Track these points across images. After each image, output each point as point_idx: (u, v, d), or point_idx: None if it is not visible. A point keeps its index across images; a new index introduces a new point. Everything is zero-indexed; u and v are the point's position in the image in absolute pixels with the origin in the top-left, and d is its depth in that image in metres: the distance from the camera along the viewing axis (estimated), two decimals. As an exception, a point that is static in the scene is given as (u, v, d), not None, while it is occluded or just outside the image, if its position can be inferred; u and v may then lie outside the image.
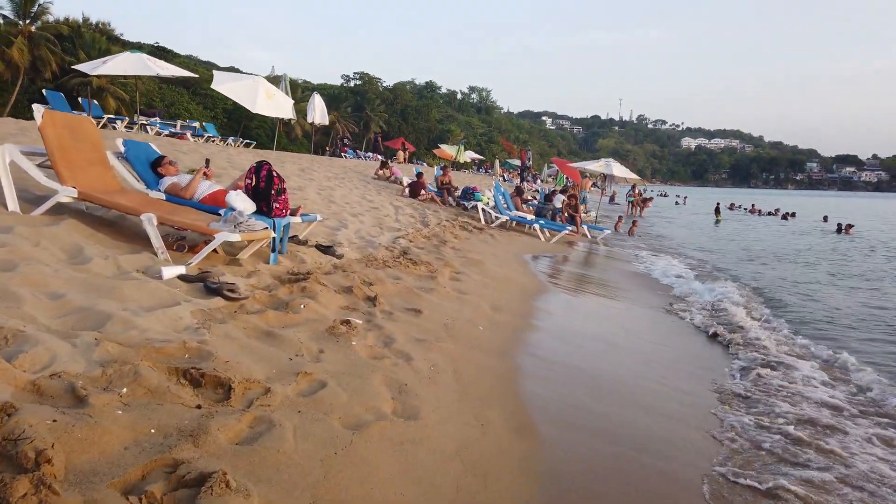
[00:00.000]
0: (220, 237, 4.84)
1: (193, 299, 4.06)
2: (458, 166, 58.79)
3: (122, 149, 6.38)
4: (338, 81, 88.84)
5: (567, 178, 36.05)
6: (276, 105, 20.36)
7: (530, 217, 15.12)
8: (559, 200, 20.41)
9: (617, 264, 13.09)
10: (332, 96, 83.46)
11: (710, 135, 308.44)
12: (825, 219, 35.55)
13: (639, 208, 34.21)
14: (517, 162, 64.55)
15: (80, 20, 49.27)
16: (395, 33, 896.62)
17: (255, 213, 5.77)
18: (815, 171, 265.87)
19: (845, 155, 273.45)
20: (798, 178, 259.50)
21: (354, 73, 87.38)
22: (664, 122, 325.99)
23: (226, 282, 4.40)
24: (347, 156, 42.92)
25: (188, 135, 19.46)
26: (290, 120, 25.10)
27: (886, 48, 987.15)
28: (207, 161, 6.58)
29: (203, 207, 6.16)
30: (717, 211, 34.75)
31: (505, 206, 16.21)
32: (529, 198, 23.82)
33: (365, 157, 41.53)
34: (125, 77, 43.49)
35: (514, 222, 15.13)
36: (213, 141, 21.95)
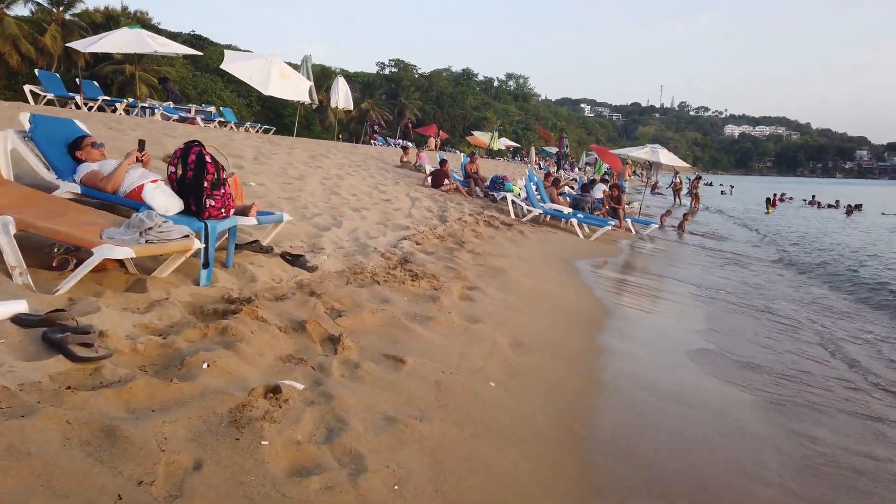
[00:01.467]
0: (99, 253, 3.23)
1: (15, 363, 2.47)
2: (492, 154, 56.86)
3: (27, 126, 4.85)
4: (373, 69, 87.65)
5: (607, 165, 33.94)
6: (291, 86, 18.90)
7: (567, 210, 13.28)
8: (599, 191, 18.46)
9: (689, 269, 11.20)
10: (367, 84, 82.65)
11: (755, 122, 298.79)
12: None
13: (690, 200, 31.90)
14: (554, 150, 62.24)
15: (119, 9, 48.95)
16: (434, 22, 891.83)
17: (182, 212, 4.18)
18: (865, 159, 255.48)
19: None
20: (847, 166, 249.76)
21: (390, 61, 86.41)
22: (706, 110, 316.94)
23: (81, 327, 2.78)
24: (377, 143, 41.38)
25: (199, 119, 18.05)
26: (311, 104, 23.58)
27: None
28: (142, 143, 4.99)
29: (129, 204, 4.60)
30: (770, 202, 32.16)
31: (538, 197, 14.40)
32: (566, 188, 21.89)
33: (395, 145, 39.96)
34: (158, 64, 42.95)
35: (549, 216, 13.31)
36: (228, 127, 20.53)
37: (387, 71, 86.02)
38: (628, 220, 15.89)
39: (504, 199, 13.86)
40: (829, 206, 37.17)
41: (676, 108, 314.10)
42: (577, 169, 53.41)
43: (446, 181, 14.53)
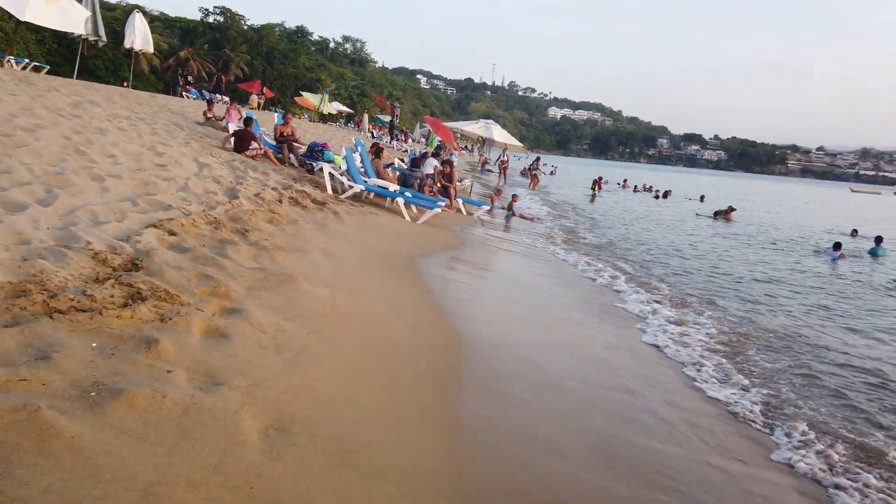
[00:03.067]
0: None
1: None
2: (324, 119, 53.63)
3: None
4: (196, 15, 79.52)
5: (440, 139, 32.93)
6: (59, 14, 15.08)
7: (393, 188, 11.64)
8: (430, 166, 17.07)
9: (530, 264, 10.03)
10: (187, 30, 74.75)
11: (575, 106, 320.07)
12: (702, 199, 35.36)
13: (530, 180, 32.08)
14: (388, 118, 60.35)
15: None
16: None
17: None
18: (665, 147, 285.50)
19: (692, 134, 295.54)
20: (650, 152, 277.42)
21: (215, 7, 78.83)
22: (533, 91, 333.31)
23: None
24: (190, 96, 36.66)
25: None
26: (97, 41, 19.45)
27: (730, 38, 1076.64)
28: None
29: None
30: (595, 186, 33.24)
31: (362, 171, 12.60)
32: (396, 161, 20.29)
33: (211, 100, 35.62)
34: None
35: (372, 194, 11.57)
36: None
37: (211, 19, 78.47)
38: (459, 200, 14.68)
39: (322, 170, 11.86)
40: (646, 189, 39.53)
41: (506, 87, 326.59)
42: (410, 140, 52.18)
43: (253, 144, 12.18)
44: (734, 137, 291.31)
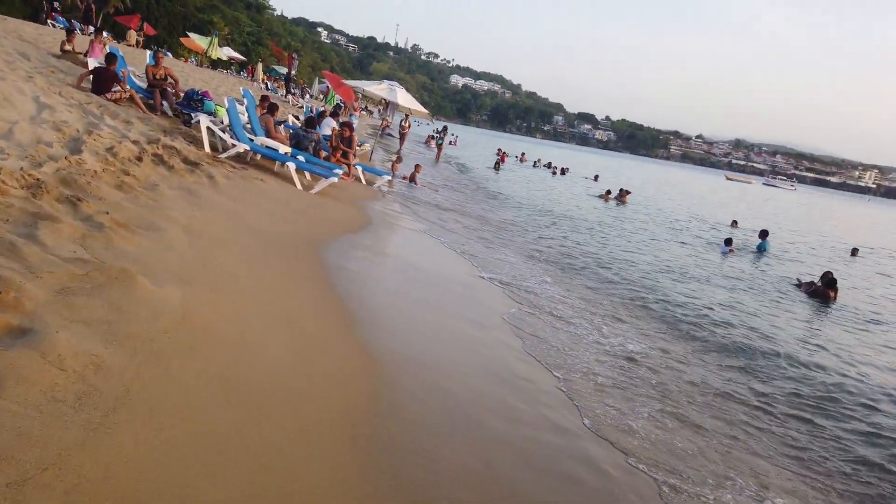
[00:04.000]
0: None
1: None
2: (214, 65, 49.48)
3: None
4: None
5: (339, 98, 31.09)
6: None
7: (284, 150, 10.24)
8: (328, 126, 15.63)
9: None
10: (59, -47, 66.98)
11: (477, 76, 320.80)
12: (596, 178, 35.99)
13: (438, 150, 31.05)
14: (285, 70, 56.70)
15: None
16: None
17: None
18: (560, 124, 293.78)
19: (585, 113, 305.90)
20: (546, 128, 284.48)
21: (93, -69, 70.83)
22: (436, 56, 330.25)
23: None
24: (57, 25, 32.20)
25: None
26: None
27: (626, 21, 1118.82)
28: None
29: None
30: (499, 161, 32.82)
31: (248, 127, 11.06)
32: (290, 118, 18.56)
33: (73, 29, 31.49)
34: None
35: (258, 155, 10.11)
36: None
37: (88, -57, 70.57)
38: (358, 168, 13.45)
39: (199, 123, 10.21)
40: (545, 166, 39.68)
41: (409, 50, 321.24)
42: (308, 96, 49.40)
43: (116, 87, 10.30)
44: (624, 120, 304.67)
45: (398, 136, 29.51)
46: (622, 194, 24.41)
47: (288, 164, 9.56)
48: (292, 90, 37.65)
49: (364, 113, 68.16)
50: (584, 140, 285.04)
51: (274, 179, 9.44)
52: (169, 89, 11.57)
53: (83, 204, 4.49)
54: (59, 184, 4.83)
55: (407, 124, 28.95)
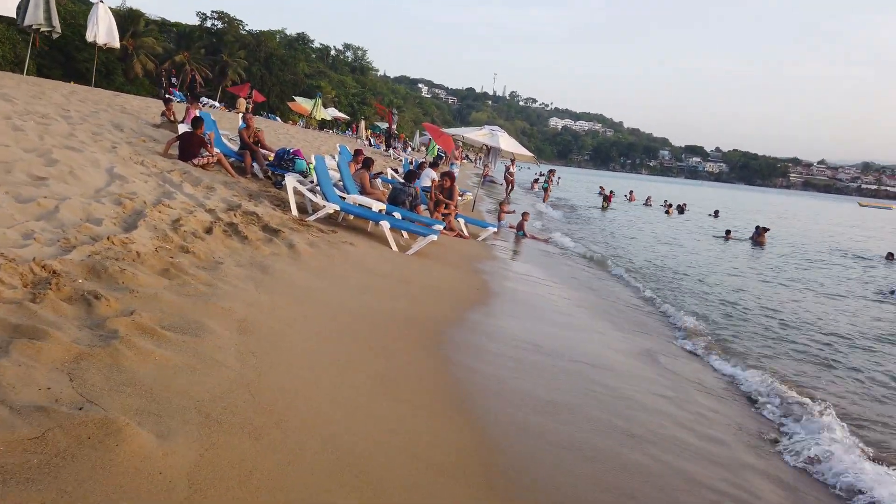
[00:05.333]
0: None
1: None
2: (322, 125, 51.17)
3: None
4: (194, 20, 78.00)
5: (439, 148, 30.52)
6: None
7: (378, 207, 9.15)
8: (427, 178, 14.61)
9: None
10: (183, 35, 73.49)
11: (576, 117, 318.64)
12: (716, 214, 33.00)
13: (545, 193, 29.85)
14: (386, 125, 57.84)
15: None
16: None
17: None
18: (666, 158, 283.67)
19: (693, 146, 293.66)
20: (652, 164, 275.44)
21: (212, 12, 77.53)
22: (535, 101, 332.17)
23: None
24: (174, 99, 34.17)
25: None
26: (50, 32, 16.99)
27: (734, 49, 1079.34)
28: None
29: None
30: (606, 198, 30.80)
31: (341, 184, 10.12)
32: (389, 172, 17.79)
33: (170, 99, 33.13)
34: None
35: (350, 215, 9.03)
36: None
37: (209, 24, 77.14)
38: (460, 220, 12.19)
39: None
40: (659, 205, 37.04)
41: (507, 97, 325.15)
42: (409, 149, 49.74)
43: (204, 152, 9.70)
44: (735, 150, 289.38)
45: (504, 183, 28.30)
46: (760, 233, 21.57)
47: (382, 223, 8.40)
48: (393, 144, 37.71)
49: (466, 161, 68.20)
50: (693, 173, 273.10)
51: (366, 242, 8.29)
52: (262, 151, 10.92)
53: (101, 302, 3.37)
54: (84, 273, 3.78)
55: (513, 170, 27.74)
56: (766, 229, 21.78)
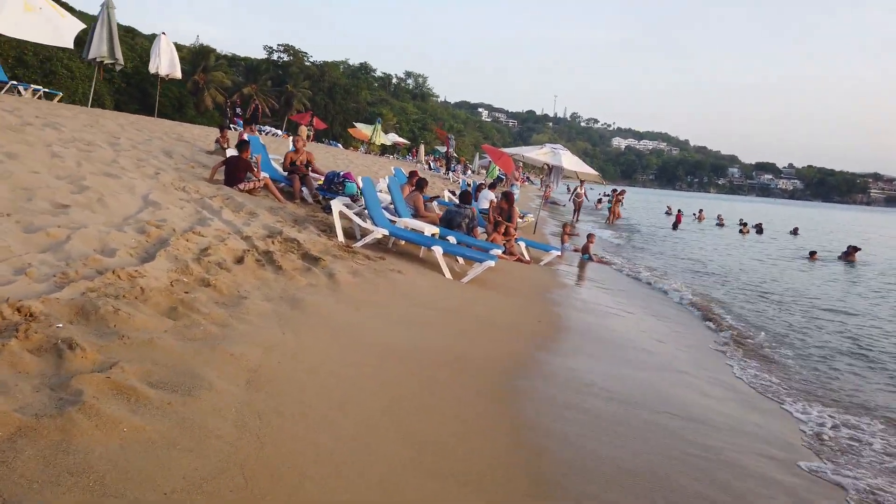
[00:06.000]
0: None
1: None
2: (384, 151, 51.50)
3: None
4: (261, 54, 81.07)
5: (500, 169, 29.79)
6: (40, 24, 12.82)
7: (430, 230, 8.46)
8: (486, 200, 13.87)
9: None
10: (251, 68, 76.40)
11: (639, 136, 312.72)
12: (795, 231, 30.86)
13: (609, 214, 28.63)
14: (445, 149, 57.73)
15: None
16: (331, 9, 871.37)
17: None
18: (736, 176, 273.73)
19: (764, 163, 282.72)
20: (720, 182, 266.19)
21: (279, 45, 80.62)
22: (596, 121, 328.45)
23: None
24: (237, 128, 34.94)
25: None
26: (112, 64, 17.32)
27: (804, 60, 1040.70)
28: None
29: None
30: (676, 219, 29.24)
31: (391, 207, 9.50)
32: (446, 195, 17.16)
33: (226, 126, 33.71)
34: None
35: (400, 240, 8.35)
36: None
37: (275, 57, 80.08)
38: (521, 244, 11.35)
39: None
40: (735, 223, 35.03)
41: (569, 119, 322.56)
42: (469, 172, 49.29)
43: (250, 176, 9.27)
44: (810, 166, 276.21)
45: (573, 207, 27.21)
46: (850, 252, 19.74)
47: (434, 248, 7.66)
48: (452, 167, 37.27)
49: (527, 183, 67.20)
50: (765, 191, 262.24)
51: (417, 269, 7.56)
52: (311, 174, 10.46)
53: (75, 353, 2.74)
54: (71, 315, 3.18)
55: (581, 191, 26.55)
56: (857, 248, 19.94)
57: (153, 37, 27.09)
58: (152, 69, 19.90)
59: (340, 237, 7.76)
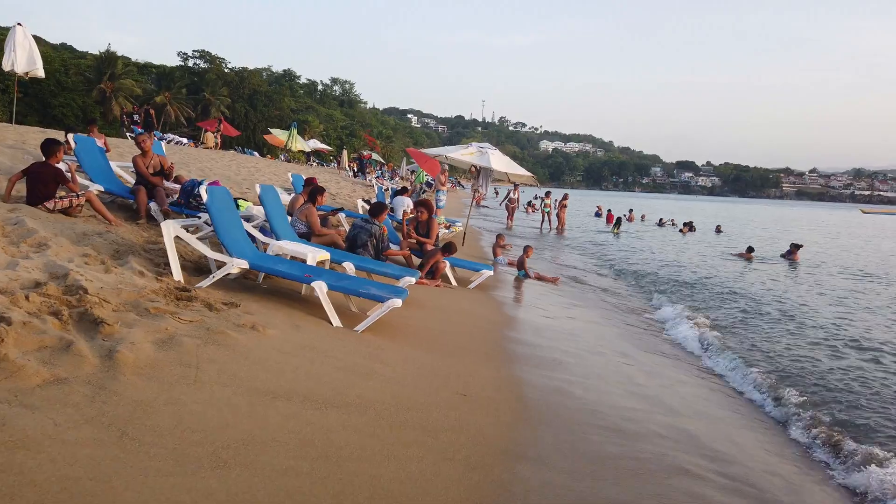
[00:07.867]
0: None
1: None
2: (309, 158, 48.38)
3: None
4: (175, 61, 76.68)
5: (426, 173, 27.67)
6: None
7: (313, 258, 6.13)
8: (401, 207, 11.64)
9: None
10: (163, 75, 72.07)
11: (566, 138, 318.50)
12: (718, 230, 30.73)
13: (557, 222, 25.79)
14: (378, 157, 55.39)
15: None
16: (249, 14, 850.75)
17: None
18: (658, 175, 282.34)
19: (684, 161, 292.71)
20: (644, 181, 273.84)
21: (194, 51, 76.41)
22: (524, 125, 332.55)
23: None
24: (132, 135, 31.38)
25: None
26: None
27: (723, 64, 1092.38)
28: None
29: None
30: (618, 222, 27.91)
31: (259, 227, 7.11)
32: (359, 204, 14.80)
33: (162, 139, 30.32)
34: None
35: (270, 275, 5.97)
36: None
37: (191, 63, 75.90)
38: (446, 263, 9.16)
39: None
40: (671, 223, 34.26)
41: (497, 123, 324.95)
42: (397, 178, 46.96)
43: (68, 186, 6.69)
44: (727, 163, 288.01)
45: (507, 212, 25.25)
46: (793, 251, 18.60)
47: (314, 285, 5.32)
48: (365, 169, 35.04)
49: (457, 188, 65.44)
50: (686, 188, 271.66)
51: (292, 317, 5.20)
52: (162, 185, 7.89)
53: None
54: None
55: (515, 195, 24.66)
56: (799, 246, 18.89)
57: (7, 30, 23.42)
58: (6, 66, 16.67)
59: (177, 274, 5.32)
